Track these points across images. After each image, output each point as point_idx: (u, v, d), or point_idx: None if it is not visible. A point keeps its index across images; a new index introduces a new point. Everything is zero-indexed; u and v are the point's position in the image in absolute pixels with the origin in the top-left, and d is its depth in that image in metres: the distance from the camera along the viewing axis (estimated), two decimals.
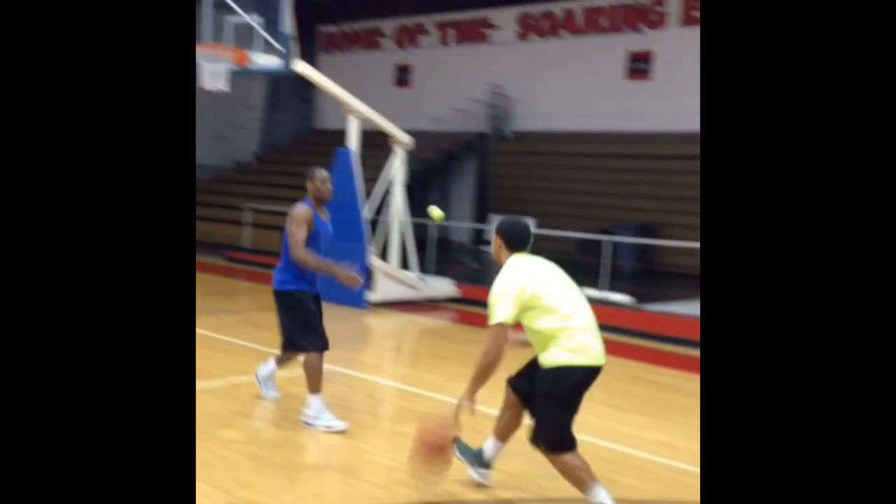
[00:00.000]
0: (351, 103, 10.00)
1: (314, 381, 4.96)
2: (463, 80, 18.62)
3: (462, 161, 18.84)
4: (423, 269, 11.25)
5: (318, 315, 5.07)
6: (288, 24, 9.02)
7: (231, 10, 9.44)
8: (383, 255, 10.62)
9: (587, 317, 3.82)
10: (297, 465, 4.46)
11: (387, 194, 10.80)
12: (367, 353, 8.31)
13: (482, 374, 3.76)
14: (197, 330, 7.23)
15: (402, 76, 20.68)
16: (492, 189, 17.95)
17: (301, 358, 5.15)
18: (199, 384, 5.82)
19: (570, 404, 3.75)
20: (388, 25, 20.92)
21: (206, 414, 4.99)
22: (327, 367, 5.12)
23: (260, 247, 14.83)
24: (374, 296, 9.94)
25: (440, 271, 11.95)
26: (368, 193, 10.49)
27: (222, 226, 16.25)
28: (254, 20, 9.28)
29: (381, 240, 10.77)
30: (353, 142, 10.12)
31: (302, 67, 9.44)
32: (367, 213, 10.23)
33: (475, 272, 13.39)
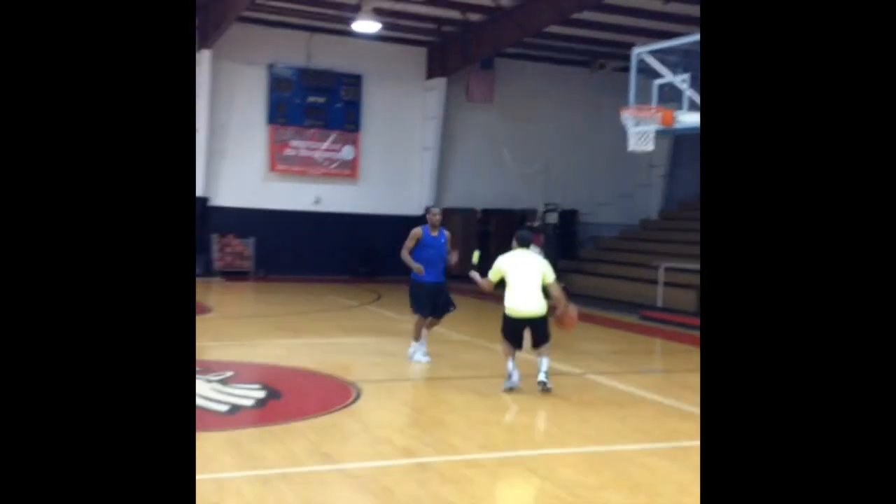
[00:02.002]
0: None
1: (415, 332, 8.55)
2: None
3: None
4: None
5: (431, 296, 8.40)
6: None
7: (656, 74, 9.60)
8: None
9: (525, 286, 7.04)
10: None
11: None
12: None
13: (483, 289, 7.43)
14: (633, 391, 7.26)
15: None
16: None
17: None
18: (648, 445, 5.83)
19: (509, 330, 7.22)
20: None
21: (662, 479, 4.93)
22: None
23: (672, 305, 14.65)
24: None
25: None
26: None
27: (634, 284, 16.41)
28: (679, 80, 9.32)
29: None
30: None
31: None
32: None
33: None
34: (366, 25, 17.26)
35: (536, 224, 19.17)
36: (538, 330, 7.15)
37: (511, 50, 20.08)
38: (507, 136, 21.12)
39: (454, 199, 21.26)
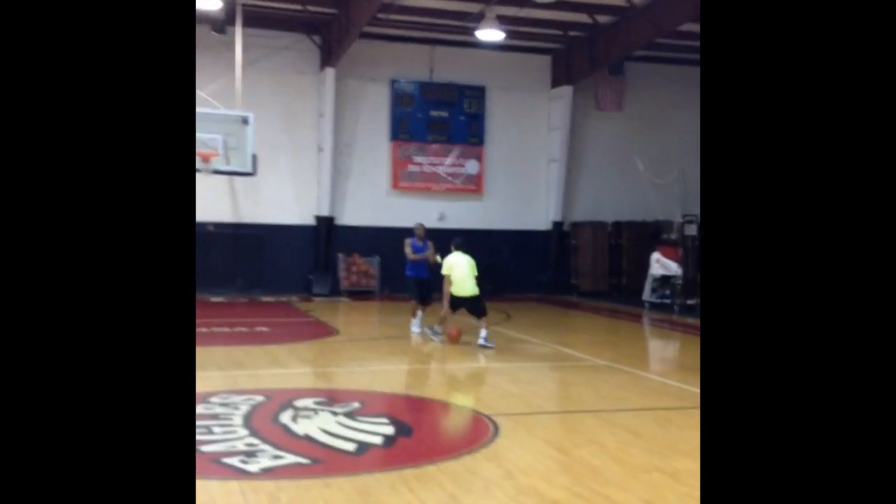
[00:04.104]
0: None
1: (411, 312, 12.20)
2: None
3: None
4: None
5: (419, 287, 11.98)
6: None
7: None
8: None
9: (464, 275, 10.91)
10: None
11: None
12: None
13: (445, 298, 11.15)
14: None
15: None
16: None
17: None
18: None
19: (454, 306, 11.09)
20: None
21: None
22: None
23: None
24: None
25: None
26: None
27: None
28: None
29: None
30: None
31: None
32: None
33: None
34: (489, 34, 16.69)
35: (674, 237, 17.94)
36: (476, 306, 10.99)
37: (641, 53, 19.03)
38: (638, 144, 20.02)
39: (583, 213, 20.33)
